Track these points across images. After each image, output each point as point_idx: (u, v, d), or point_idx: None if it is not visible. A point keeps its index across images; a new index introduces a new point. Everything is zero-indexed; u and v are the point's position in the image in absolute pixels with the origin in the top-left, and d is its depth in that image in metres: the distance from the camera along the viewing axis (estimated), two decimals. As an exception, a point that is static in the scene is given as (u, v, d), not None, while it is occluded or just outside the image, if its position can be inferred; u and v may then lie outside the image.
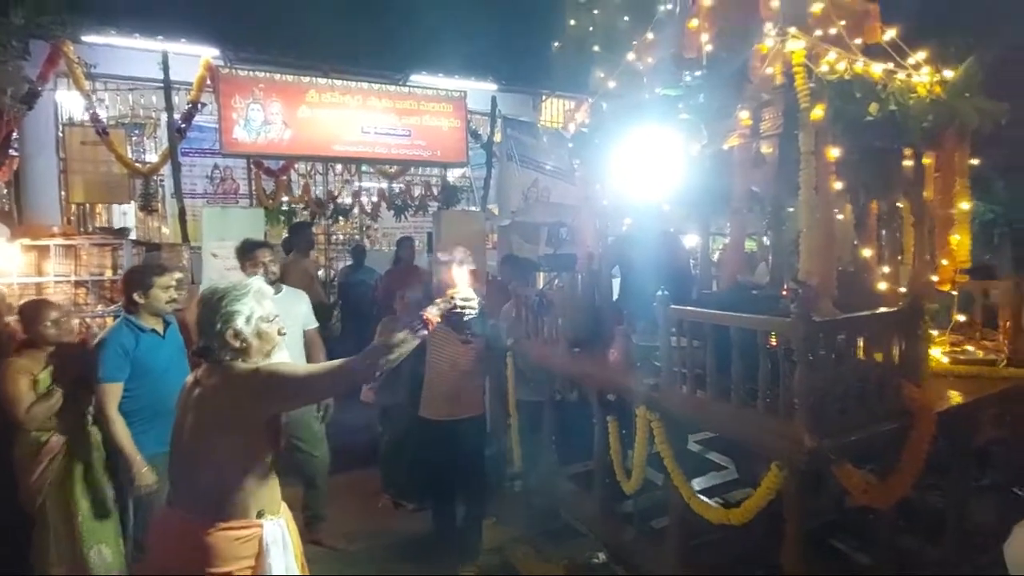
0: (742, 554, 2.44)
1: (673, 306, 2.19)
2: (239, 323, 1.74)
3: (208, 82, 6.08)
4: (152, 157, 7.68)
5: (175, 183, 4.87)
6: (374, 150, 5.12)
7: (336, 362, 1.76)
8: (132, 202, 7.34)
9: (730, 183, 2.40)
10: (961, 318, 2.70)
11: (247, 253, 3.31)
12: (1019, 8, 4.90)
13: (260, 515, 1.77)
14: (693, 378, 2.17)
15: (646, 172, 2.63)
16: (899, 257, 2.48)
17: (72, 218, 6.66)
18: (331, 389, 2.11)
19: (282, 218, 5.33)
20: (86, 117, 6.28)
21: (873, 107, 2.21)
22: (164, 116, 7.27)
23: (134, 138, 7.65)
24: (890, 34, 2.75)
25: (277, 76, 4.86)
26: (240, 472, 1.71)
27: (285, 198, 5.66)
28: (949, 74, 2.57)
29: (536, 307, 3.16)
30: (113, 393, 2.61)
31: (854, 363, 1.88)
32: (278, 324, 1.84)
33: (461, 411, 3.21)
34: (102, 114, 5.91)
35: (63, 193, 6.50)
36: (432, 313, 1.76)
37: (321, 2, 7.68)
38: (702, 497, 2.22)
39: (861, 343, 1.90)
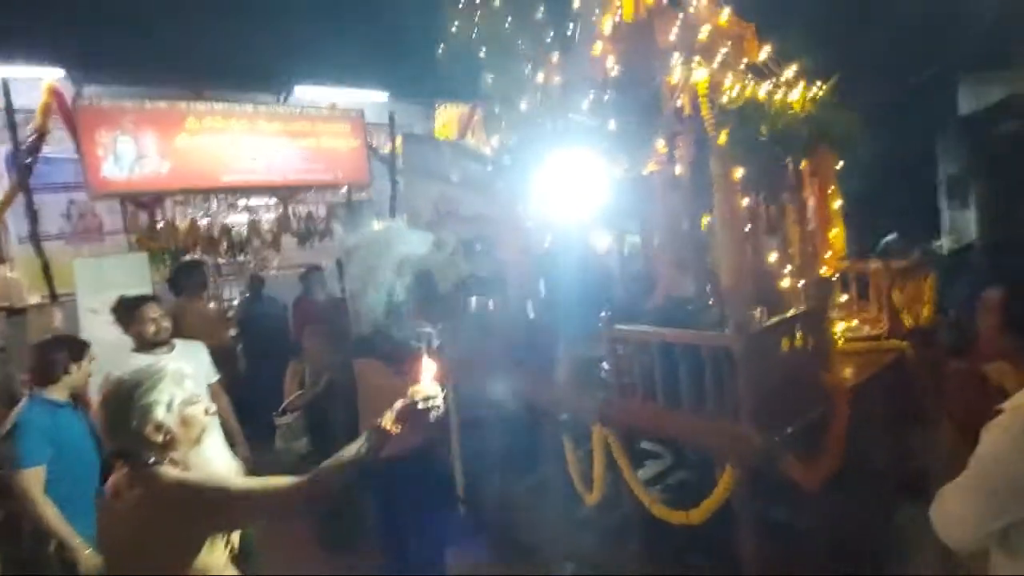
0: (697, 545, 2.64)
1: (618, 325, 2.31)
2: (159, 414, 1.54)
3: (55, 109, 5.33)
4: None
5: (31, 229, 4.20)
6: (268, 177, 4.78)
7: (282, 483, 1.59)
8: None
9: (650, 205, 2.57)
10: (843, 298, 3.12)
11: (130, 312, 2.96)
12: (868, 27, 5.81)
13: None
14: (643, 388, 2.31)
15: (570, 194, 2.73)
16: (788, 251, 2.81)
17: None
18: (274, 511, 1.76)
19: (167, 259, 4.79)
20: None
21: (764, 128, 2.47)
22: (2, 148, 6.25)
23: (-43, 176, 6.46)
24: (765, 52, 3.08)
25: (147, 104, 4.35)
26: None
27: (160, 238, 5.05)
28: (816, 87, 2.94)
29: (477, 327, 3.16)
30: (36, 478, 2.36)
31: (780, 362, 2.11)
32: (203, 404, 1.65)
33: (403, 444, 3.13)
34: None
35: None
36: (389, 423, 1.63)
37: (182, 13, 6.95)
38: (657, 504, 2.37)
39: (784, 343, 2.14)
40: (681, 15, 2.69)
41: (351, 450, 1.69)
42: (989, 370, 1.59)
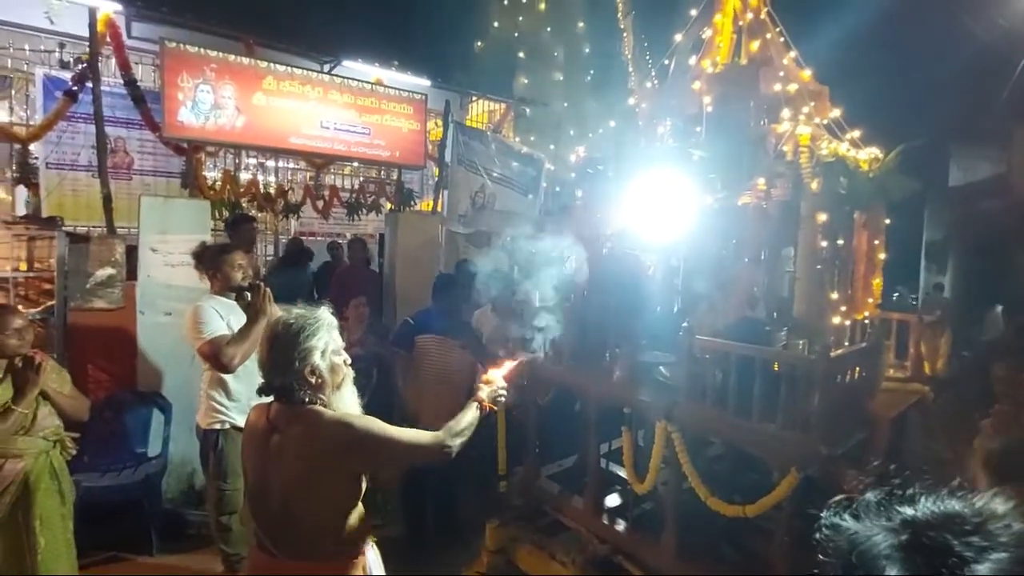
0: (727, 540, 2.95)
1: (699, 336, 2.60)
2: (316, 358, 1.69)
3: (107, 40, 5.31)
4: (6, 117, 6.41)
5: (100, 162, 4.23)
6: (333, 146, 4.90)
7: (425, 435, 1.83)
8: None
9: (738, 233, 2.87)
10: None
11: (219, 257, 2.99)
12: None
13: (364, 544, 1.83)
14: (713, 396, 2.60)
15: (659, 213, 3.01)
16: (846, 292, 3.16)
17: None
18: (415, 460, 2.13)
19: (225, 211, 4.85)
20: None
21: (844, 182, 2.81)
22: (40, 71, 6.15)
23: (-4, 94, 6.34)
24: (835, 113, 3.44)
25: (231, 57, 4.42)
26: (345, 515, 1.73)
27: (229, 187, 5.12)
28: (874, 151, 3.31)
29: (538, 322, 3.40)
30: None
31: (844, 387, 2.43)
32: (344, 354, 1.83)
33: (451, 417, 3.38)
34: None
35: None
36: (487, 400, 2.05)
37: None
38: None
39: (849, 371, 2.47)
40: (781, 72, 3.00)
41: (468, 418, 1.95)
42: None
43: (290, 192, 5.64)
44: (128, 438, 3.81)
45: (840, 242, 3.14)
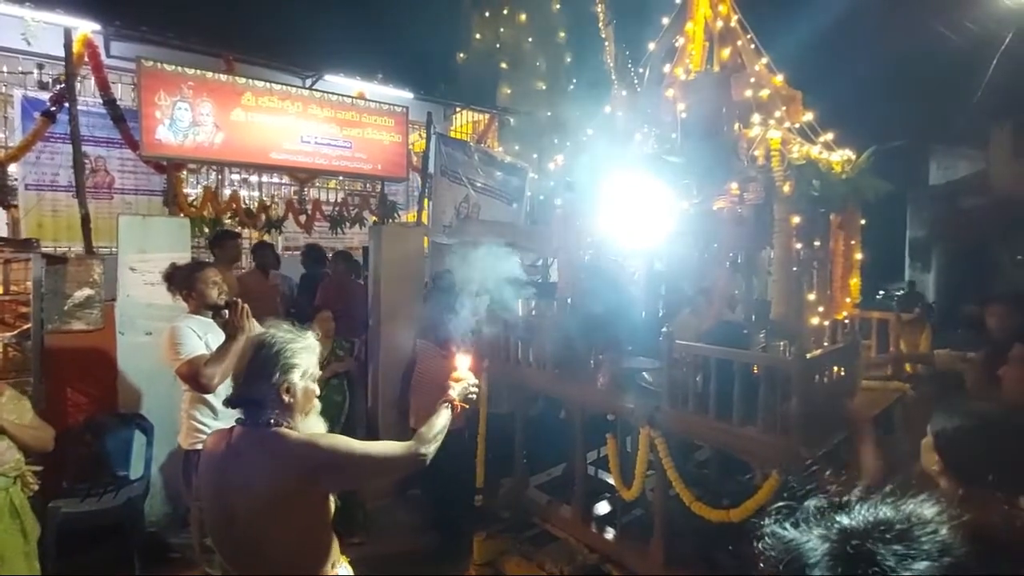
0: (717, 545, 2.94)
1: (679, 341, 2.60)
2: (295, 377, 1.65)
3: (86, 60, 5.29)
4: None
5: (77, 181, 4.20)
6: (314, 160, 4.89)
7: (397, 446, 1.79)
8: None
9: (715, 238, 2.89)
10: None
11: (192, 276, 2.93)
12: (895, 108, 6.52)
13: (333, 566, 1.78)
14: (694, 401, 2.60)
15: (635, 219, 3.03)
16: (822, 293, 3.19)
17: None
18: (390, 473, 2.02)
19: (205, 228, 4.82)
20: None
21: (816, 184, 2.84)
22: (18, 92, 6.11)
23: (-32, 115, 6.28)
24: (808, 116, 3.48)
25: (209, 74, 4.42)
26: (315, 537, 1.68)
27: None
28: (847, 153, 3.36)
29: (522, 331, 3.40)
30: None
31: (823, 387, 2.44)
32: (316, 386, 1.77)
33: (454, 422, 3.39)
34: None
35: None
36: (458, 399, 2.02)
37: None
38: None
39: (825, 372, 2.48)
40: (752, 78, 3.04)
41: (440, 421, 1.92)
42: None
43: (273, 207, 5.62)
44: (109, 461, 3.74)
45: (816, 244, 3.17)
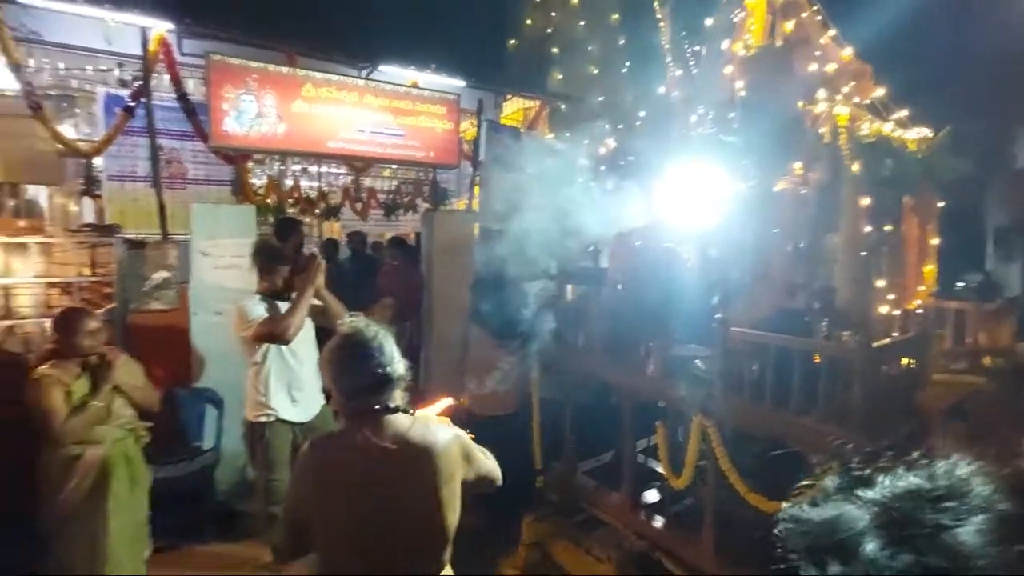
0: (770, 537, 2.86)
1: (735, 328, 2.53)
2: (397, 357, 1.59)
3: (161, 57, 5.62)
4: (73, 134, 6.89)
5: (154, 172, 4.51)
6: (369, 149, 5.02)
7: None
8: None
9: (775, 221, 2.78)
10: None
11: (275, 262, 3.10)
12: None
13: None
14: (749, 389, 2.52)
15: (691, 203, 2.95)
16: (894, 280, 3.00)
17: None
18: (484, 485, 1.79)
19: (269, 215, 5.07)
20: (6, 86, 5.54)
21: (889, 164, 2.67)
22: (101, 90, 6.58)
23: (61, 112, 6.81)
24: (879, 92, 3.27)
25: (271, 67, 4.61)
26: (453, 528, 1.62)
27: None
28: (925, 131, 3.13)
29: (574, 316, 3.40)
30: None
31: (889, 378, 2.32)
32: None
33: (496, 408, 3.46)
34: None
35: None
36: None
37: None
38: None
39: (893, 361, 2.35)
40: (818, 52, 2.88)
41: None
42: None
43: (330, 195, 5.82)
44: (184, 432, 4.03)
45: (888, 228, 2.99)
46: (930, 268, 3.19)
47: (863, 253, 2.63)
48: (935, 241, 3.19)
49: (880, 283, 2.77)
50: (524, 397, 3.74)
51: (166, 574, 3.15)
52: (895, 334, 2.79)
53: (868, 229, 2.61)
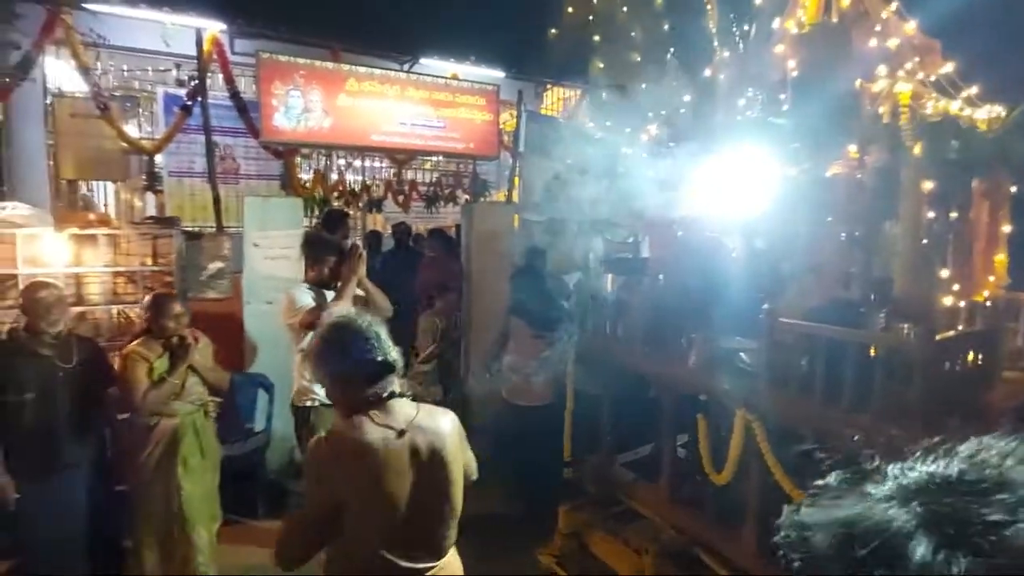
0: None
1: (783, 319, 2.43)
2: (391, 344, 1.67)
3: (214, 57, 5.86)
4: (136, 132, 7.30)
5: (209, 167, 4.72)
6: (410, 141, 5.10)
7: None
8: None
9: (829, 208, 2.64)
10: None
11: (323, 253, 3.22)
12: None
13: None
14: (798, 384, 2.42)
15: (737, 191, 2.84)
16: (960, 269, 2.80)
17: (59, 195, 6.29)
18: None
19: (315, 207, 5.24)
20: (77, 88, 5.91)
21: (955, 144, 2.49)
22: (161, 90, 6.94)
23: (126, 112, 7.22)
24: (947, 68, 3.04)
25: (317, 63, 4.73)
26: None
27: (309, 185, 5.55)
28: (998, 110, 2.89)
29: (614, 307, 3.35)
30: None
31: (953, 375, 2.17)
32: None
33: (533, 399, 3.47)
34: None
35: (51, 168, 6.15)
36: None
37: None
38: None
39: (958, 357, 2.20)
40: (878, 26, 2.71)
41: None
42: None
43: (373, 188, 5.95)
44: (238, 414, 4.23)
45: (953, 214, 2.79)
46: (1001, 258, 2.96)
47: (924, 241, 2.46)
48: (1007, 228, 2.96)
49: (944, 273, 2.59)
50: (560, 388, 3.72)
51: (235, 545, 3.37)
52: (960, 327, 2.61)
53: (931, 215, 2.44)
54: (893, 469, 0.52)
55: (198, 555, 2.91)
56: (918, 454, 0.54)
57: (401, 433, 1.53)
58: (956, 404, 2.18)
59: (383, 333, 1.60)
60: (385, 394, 1.55)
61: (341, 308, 2.91)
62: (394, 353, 1.60)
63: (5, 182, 6.19)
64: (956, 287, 2.67)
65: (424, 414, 1.61)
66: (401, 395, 1.60)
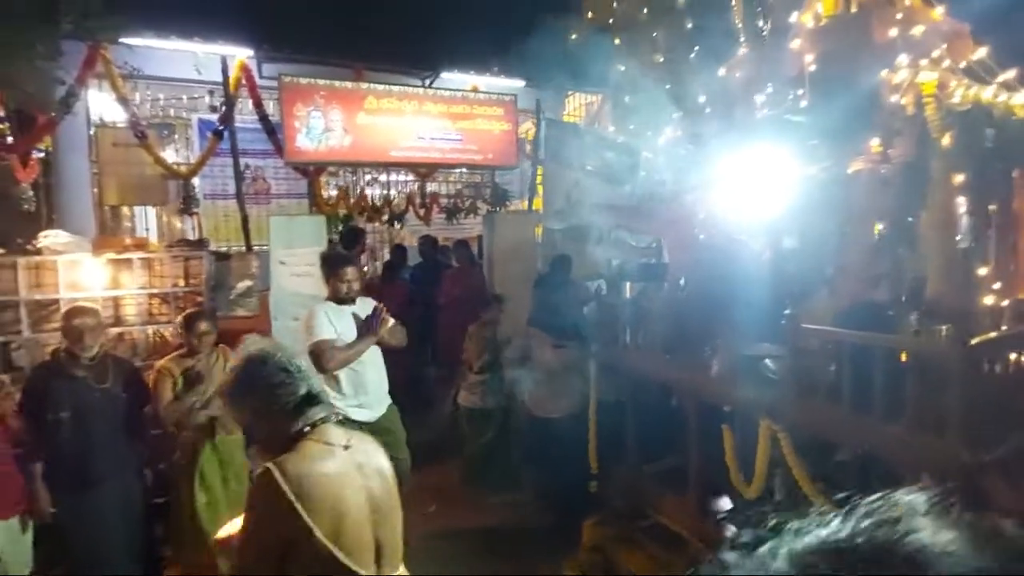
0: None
1: (806, 325, 2.32)
2: None
3: (243, 82, 6.07)
4: (172, 158, 7.62)
5: (237, 189, 4.87)
6: (429, 155, 5.16)
7: None
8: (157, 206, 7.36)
9: (853, 206, 2.52)
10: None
11: (336, 267, 3.28)
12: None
13: None
14: (825, 392, 2.30)
15: (754, 192, 2.74)
16: (1000, 267, 2.62)
17: (105, 221, 6.62)
18: None
19: (339, 224, 5.35)
20: (118, 118, 6.23)
21: (991, 134, 2.34)
22: (195, 116, 7.24)
23: (163, 139, 7.56)
24: (980, 53, 2.87)
25: (337, 83, 4.85)
26: None
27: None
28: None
29: (632, 315, 3.27)
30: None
31: (994, 379, 2.02)
32: None
33: (555, 410, 3.41)
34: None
35: (95, 196, 6.47)
36: None
37: (349, 4, 7.63)
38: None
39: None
40: (900, 14, 2.58)
41: None
42: None
43: (395, 202, 6.04)
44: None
45: (992, 207, 2.62)
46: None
47: (959, 236, 2.31)
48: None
49: (983, 270, 2.42)
50: (582, 399, 3.66)
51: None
52: (1003, 328, 2.44)
53: (964, 209, 2.29)
54: (787, 534, 0.47)
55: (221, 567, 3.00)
56: (815, 514, 0.49)
57: (346, 447, 1.52)
58: (1000, 411, 2.03)
59: (299, 360, 1.59)
60: (318, 419, 1.51)
61: (347, 360, 2.97)
62: (316, 383, 1.58)
63: (54, 210, 6.55)
64: (998, 285, 2.49)
65: (355, 435, 1.62)
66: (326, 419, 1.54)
